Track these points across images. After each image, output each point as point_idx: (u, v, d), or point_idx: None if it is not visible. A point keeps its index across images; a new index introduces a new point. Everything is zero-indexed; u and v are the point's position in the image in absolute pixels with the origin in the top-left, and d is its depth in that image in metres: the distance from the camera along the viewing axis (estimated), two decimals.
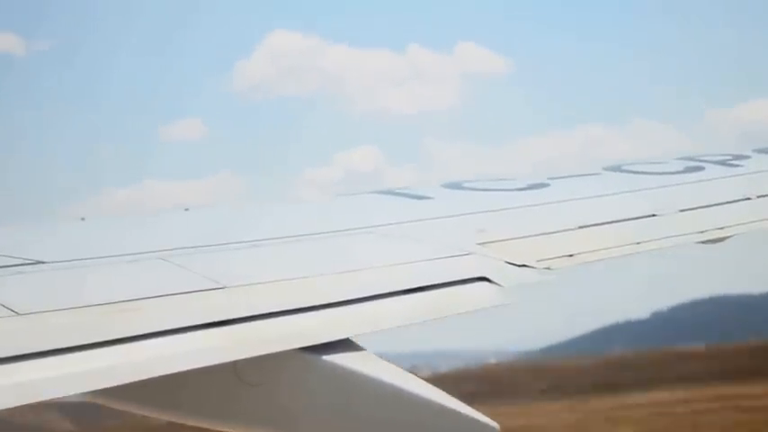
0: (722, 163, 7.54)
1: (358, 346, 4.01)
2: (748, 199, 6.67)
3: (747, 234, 6.21)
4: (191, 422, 4.14)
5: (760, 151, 7.95)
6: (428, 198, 6.33)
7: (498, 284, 4.70)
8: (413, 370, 5.00)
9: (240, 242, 4.99)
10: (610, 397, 38.79)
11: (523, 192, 6.50)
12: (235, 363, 3.85)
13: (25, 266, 4.32)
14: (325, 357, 3.92)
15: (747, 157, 7.72)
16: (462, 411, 3.94)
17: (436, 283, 4.58)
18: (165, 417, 4.15)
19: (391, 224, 5.57)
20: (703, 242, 5.96)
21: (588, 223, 5.80)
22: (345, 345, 3.99)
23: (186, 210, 5.84)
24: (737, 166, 7.48)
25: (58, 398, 3.48)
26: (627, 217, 6.03)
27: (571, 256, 5.29)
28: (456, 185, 6.67)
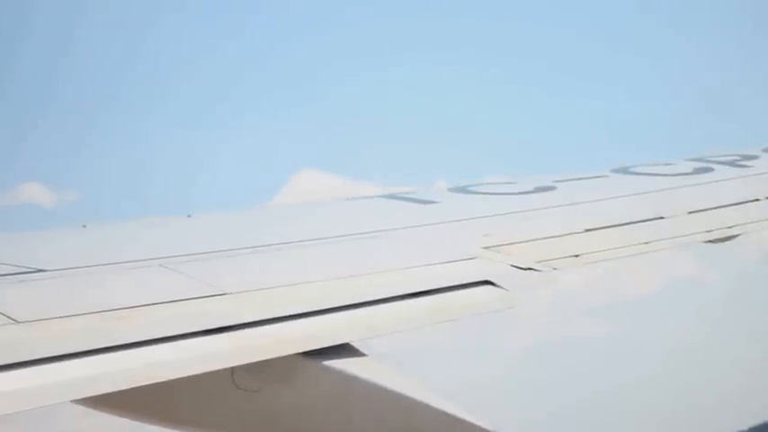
0: (731, 164, 7.47)
1: (358, 350, 3.97)
2: (757, 200, 6.61)
3: None
4: (189, 430, 4.10)
5: None
6: (435, 202, 6.28)
7: (502, 288, 4.66)
8: None
9: (243, 248, 4.95)
10: None
11: (529, 195, 6.44)
12: (232, 369, 3.81)
13: (26, 275, 4.29)
14: (325, 362, 3.88)
15: (756, 156, 7.66)
16: (462, 417, 3.89)
17: (439, 287, 4.54)
18: (164, 425, 4.10)
19: (398, 229, 5.52)
20: (711, 241, 5.91)
21: (594, 226, 5.74)
22: (345, 349, 3.96)
23: (189, 216, 5.80)
24: (746, 166, 7.42)
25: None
26: (634, 219, 5.97)
27: (577, 256, 5.24)
28: (462, 189, 6.61)
